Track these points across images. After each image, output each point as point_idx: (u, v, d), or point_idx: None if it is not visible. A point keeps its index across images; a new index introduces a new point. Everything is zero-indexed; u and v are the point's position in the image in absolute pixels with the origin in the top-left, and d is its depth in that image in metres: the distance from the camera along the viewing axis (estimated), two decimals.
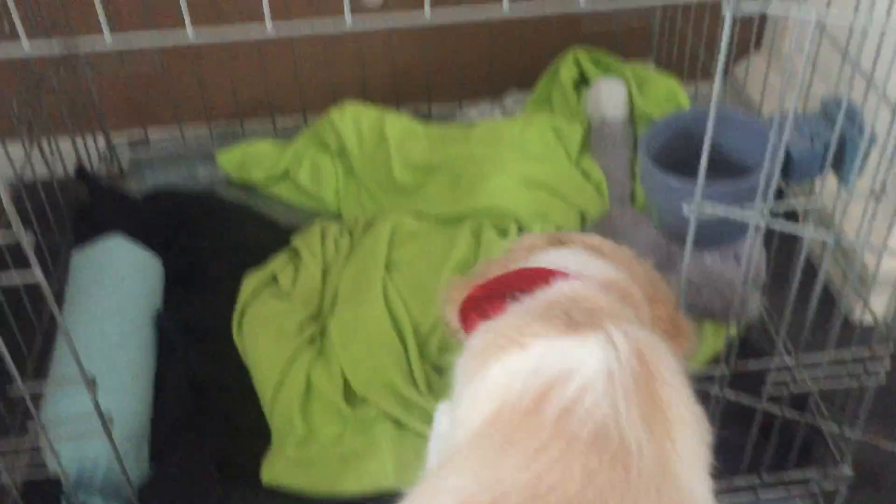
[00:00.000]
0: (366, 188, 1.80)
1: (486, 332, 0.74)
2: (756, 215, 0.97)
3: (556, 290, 0.75)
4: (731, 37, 0.81)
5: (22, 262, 1.10)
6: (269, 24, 0.79)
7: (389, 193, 1.78)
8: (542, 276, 0.78)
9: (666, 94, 1.79)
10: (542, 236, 0.91)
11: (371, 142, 1.83)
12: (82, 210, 1.69)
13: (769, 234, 1.15)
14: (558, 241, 0.89)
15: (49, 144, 1.63)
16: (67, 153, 1.73)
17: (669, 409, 0.68)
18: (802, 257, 0.97)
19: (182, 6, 0.78)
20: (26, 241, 0.90)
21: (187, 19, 0.81)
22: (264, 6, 0.79)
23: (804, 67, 0.89)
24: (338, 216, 1.80)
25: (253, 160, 1.87)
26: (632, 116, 1.82)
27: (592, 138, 1.81)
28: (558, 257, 0.84)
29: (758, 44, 2.00)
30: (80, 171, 1.73)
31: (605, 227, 1.59)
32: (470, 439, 0.69)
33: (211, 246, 1.68)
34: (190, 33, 0.81)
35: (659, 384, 0.68)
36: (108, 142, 1.91)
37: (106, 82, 1.88)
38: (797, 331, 1.14)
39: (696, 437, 0.70)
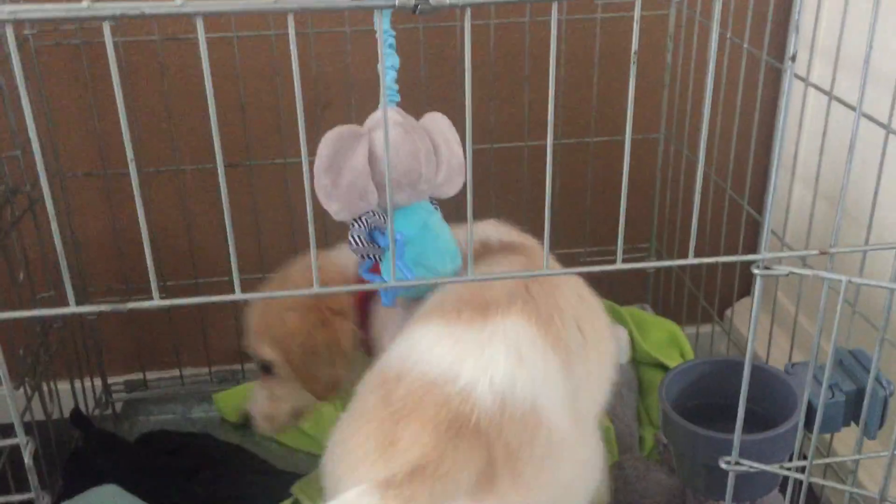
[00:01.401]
0: None
1: None
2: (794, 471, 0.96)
3: None
4: (760, 295, 0.83)
5: None
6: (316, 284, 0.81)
7: None
8: None
9: (667, 338, 1.82)
10: None
11: None
12: (75, 454, 1.63)
13: (785, 484, 1.13)
14: None
15: (48, 387, 1.60)
16: (63, 394, 1.69)
17: None
18: None
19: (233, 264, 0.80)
20: (43, 503, 0.86)
21: (236, 278, 0.82)
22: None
23: (823, 321, 0.91)
24: None
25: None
26: (633, 360, 1.83)
27: None
28: None
29: (747, 291, 2.08)
30: (76, 415, 1.69)
31: (616, 474, 1.56)
32: None
33: (205, 495, 1.61)
34: (237, 291, 0.81)
35: None
36: (105, 384, 1.88)
37: (108, 328, 1.89)
38: None
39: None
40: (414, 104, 1.14)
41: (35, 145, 0.73)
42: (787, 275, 0.84)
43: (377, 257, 1.09)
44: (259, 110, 1.77)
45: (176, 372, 1.92)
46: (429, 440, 0.89)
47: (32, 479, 0.84)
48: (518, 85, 1.83)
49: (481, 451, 0.91)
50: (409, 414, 0.92)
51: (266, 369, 1.39)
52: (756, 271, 0.85)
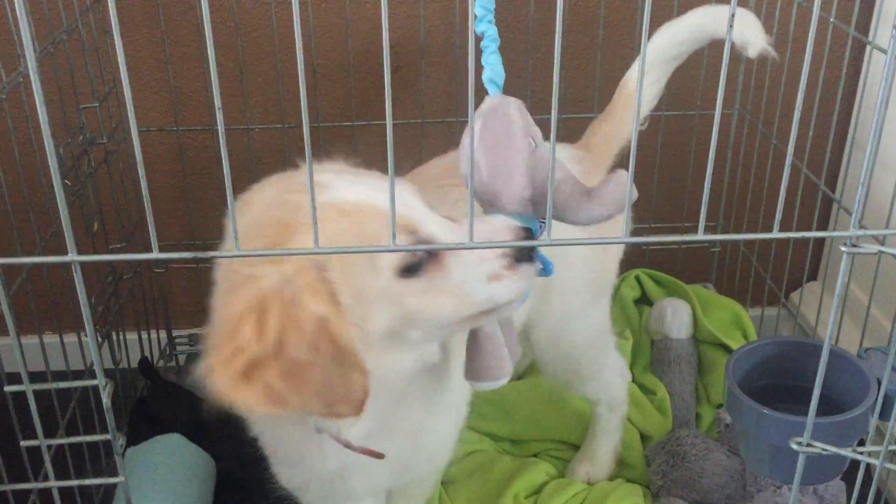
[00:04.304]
0: None
1: None
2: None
3: None
4: (848, 276, 0.81)
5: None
6: None
7: None
8: None
9: (731, 318, 1.80)
10: None
11: None
12: (141, 403, 1.67)
13: (851, 469, 1.11)
14: None
15: (117, 337, 1.64)
16: (130, 344, 1.73)
17: None
18: None
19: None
20: (118, 444, 0.88)
21: (315, 232, 0.82)
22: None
23: None
24: None
25: None
26: (694, 337, 1.81)
27: (655, 356, 1.80)
28: None
29: (814, 275, 2.04)
30: (144, 364, 1.73)
31: (673, 450, 1.54)
32: None
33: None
34: (316, 244, 0.81)
35: None
36: (170, 336, 1.92)
37: (174, 282, 1.93)
38: None
39: None
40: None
41: (128, 96, 0.73)
42: (876, 253, 0.81)
43: None
44: (329, 72, 1.78)
45: None
46: None
47: (110, 419, 0.86)
48: (589, 55, 1.80)
49: None
50: None
51: None
52: (844, 249, 0.83)
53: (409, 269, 0.86)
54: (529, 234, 0.90)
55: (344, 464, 1.02)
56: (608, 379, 1.52)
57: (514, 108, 0.93)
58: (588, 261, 1.32)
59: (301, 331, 0.80)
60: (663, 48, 1.34)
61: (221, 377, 0.80)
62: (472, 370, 0.96)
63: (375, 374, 0.86)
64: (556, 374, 1.46)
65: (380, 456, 0.98)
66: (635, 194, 0.82)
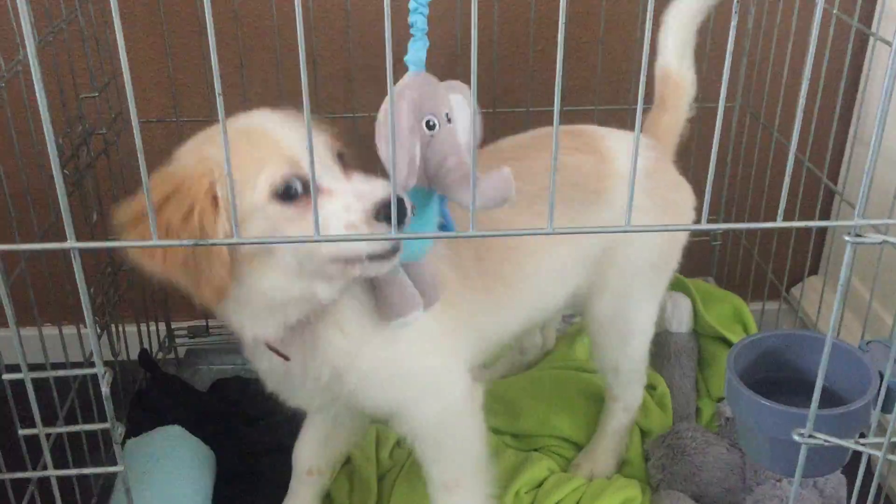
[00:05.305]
0: None
1: None
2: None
3: None
4: (851, 266, 0.80)
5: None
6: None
7: None
8: None
9: (732, 312, 1.79)
10: None
11: None
12: (140, 395, 1.66)
13: (852, 463, 1.10)
14: None
15: (116, 329, 1.64)
16: (129, 336, 1.73)
17: None
18: None
19: None
20: (117, 433, 0.88)
21: (316, 222, 0.81)
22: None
23: None
24: None
25: None
26: (695, 331, 1.81)
27: (655, 350, 1.79)
28: None
29: (815, 269, 2.03)
30: (144, 356, 1.73)
31: (672, 443, 1.54)
32: None
33: (264, 442, 1.64)
34: (316, 237, 0.81)
35: None
36: (169, 329, 1.91)
37: None
38: None
39: None
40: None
41: (128, 87, 0.73)
42: (881, 243, 0.81)
43: None
44: (329, 63, 1.77)
45: None
46: None
47: (109, 408, 0.85)
48: (590, 48, 1.80)
49: None
50: None
51: None
52: (847, 238, 0.82)
53: (285, 196, 0.98)
54: (399, 204, 0.91)
55: (272, 366, 1.16)
56: (638, 378, 1.56)
57: (407, 101, 0.97)
58: (647, 241, 1.37)
59: (180, 206, 0.96)
60: (685, 13, 1.40)
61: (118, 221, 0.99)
62: (380, 311, 1.07)
63: (255, 281, 1.01)
64: (605, 358, 1.51)
65: (286, 358, 1.12)
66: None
